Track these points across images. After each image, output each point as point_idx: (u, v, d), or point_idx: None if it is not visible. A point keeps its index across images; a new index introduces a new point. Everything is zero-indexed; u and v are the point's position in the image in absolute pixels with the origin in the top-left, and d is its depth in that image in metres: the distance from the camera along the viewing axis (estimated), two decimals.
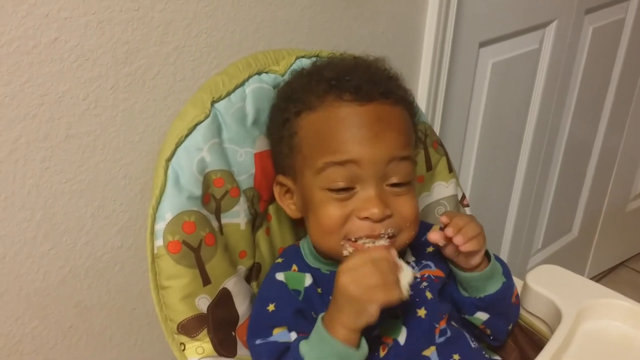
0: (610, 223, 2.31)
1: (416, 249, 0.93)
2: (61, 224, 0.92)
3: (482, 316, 0.90)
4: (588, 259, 2.33)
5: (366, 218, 0.80)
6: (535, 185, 1.87)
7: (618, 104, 2.03)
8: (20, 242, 0.89)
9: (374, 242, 0.81)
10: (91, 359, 1.06)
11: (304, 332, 0.79)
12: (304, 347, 0.75)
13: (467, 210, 1.09)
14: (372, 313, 0.72)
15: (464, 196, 1.09)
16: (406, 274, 0.76)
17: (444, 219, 0.84)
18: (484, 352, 0.89)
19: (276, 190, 0.91)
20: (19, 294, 0.91)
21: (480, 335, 0.94)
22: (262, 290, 0.89)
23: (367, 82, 0.83)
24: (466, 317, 0.92)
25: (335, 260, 0.85)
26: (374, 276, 0.72)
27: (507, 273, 0.90)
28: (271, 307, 0.83)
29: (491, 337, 0.94)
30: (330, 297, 0.81)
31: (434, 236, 0.84)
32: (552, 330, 0.90)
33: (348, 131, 0.80)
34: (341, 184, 0.80)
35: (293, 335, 0.80)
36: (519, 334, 0.97)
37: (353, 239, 0.81)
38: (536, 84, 1.68)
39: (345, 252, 0.81)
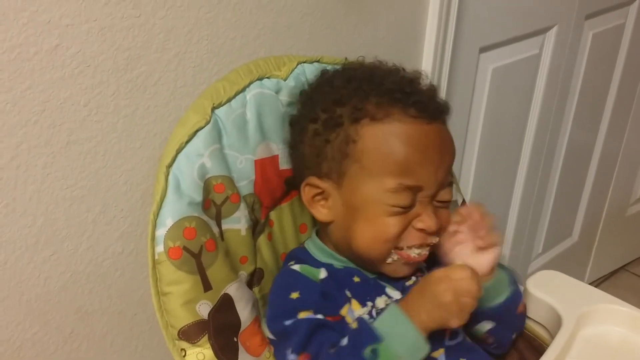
0: (611, 227, 2.31)
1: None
2: (62, 229, 0.92)
3: (486, 325, 0.91)
4: (588, 263, 2.33)
5: (422, 230, 0.84)
6: (535, 190, 1.88)
7: (618, 108, 2.03)
8: (22, 248, 0.89)
9: (419, 253, 0.86)
10: None
11: (330, 315, 0.82)
12: (380, 327, 0.76)
13: None
14: (450, 324, 0.76)
15: (464, 201, 1.10)
16: None
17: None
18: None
19: (305, 191, 0.90)
20: (20, 299, 0.92)
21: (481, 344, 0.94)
22: (279, 280, 0.90)
23: (429, 99, 0.85)
24: (468, 326, 0.92)
25: (357, 259, 0.89)
26: (470, 296, 0.76)
27: (512, 281, 0.91)
28: (295, 295, 0.84)
29: (493, 346, 0.94)
30: (346, 291, 0.85)
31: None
32: (552, 336, 0.90)
33: (420, 154, 0.82)
34: (405, 202, 0.83)
35: (320, 315, 0.81)
36: (519, 339, 0.98)
37: (402, 248, 0.85)
38: (536, 89, 1.68)
39: (389, 260, 0.86)
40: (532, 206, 1.90)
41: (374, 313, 0.86)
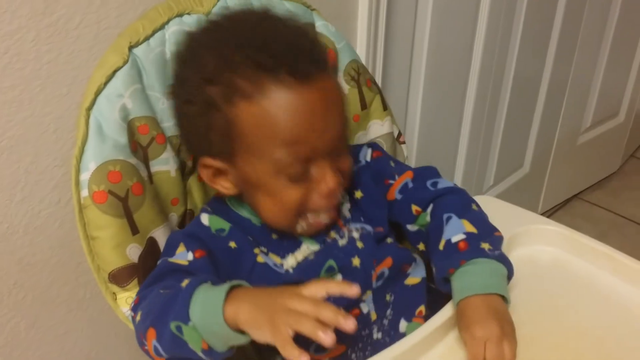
0: (562, 157, 2.34)
1: (353, 206, 0.93)
2: None
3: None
4: (541, 193, 2.37)
5: (326, 194, 0.81)
6: (484, 122, 1.88)
7: (565, 35, 2.02)
8: None
9: (327, 215, 0.85)
10: (40, 314, 1.06)
11: (200, 252, 0.81)
12: (196, 303, 0.68)
13: (404, 148, 1.10)
14: (259, 335, 0.66)
15: (400, 134, 1.10)
16: None
17: None
18: (421, 284, 0.90)
19: (203, 173, 0.86)
20: None
21: None
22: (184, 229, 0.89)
23: (299, 56, 0.77)
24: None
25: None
26: (301, 322, 0.63)
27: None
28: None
29: None
30: (264, 247, 0.85)
31: None
32: None
33: (300, 120, 0.77)
34: (299, 170, 0.79)
35: (190, 255, 0.80)
36: None
37: (309, 213, 0.83)
38: (480, 17, 1.66)
39: (299, 228, 0.84)
40: (482, 138, 1.91)
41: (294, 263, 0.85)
